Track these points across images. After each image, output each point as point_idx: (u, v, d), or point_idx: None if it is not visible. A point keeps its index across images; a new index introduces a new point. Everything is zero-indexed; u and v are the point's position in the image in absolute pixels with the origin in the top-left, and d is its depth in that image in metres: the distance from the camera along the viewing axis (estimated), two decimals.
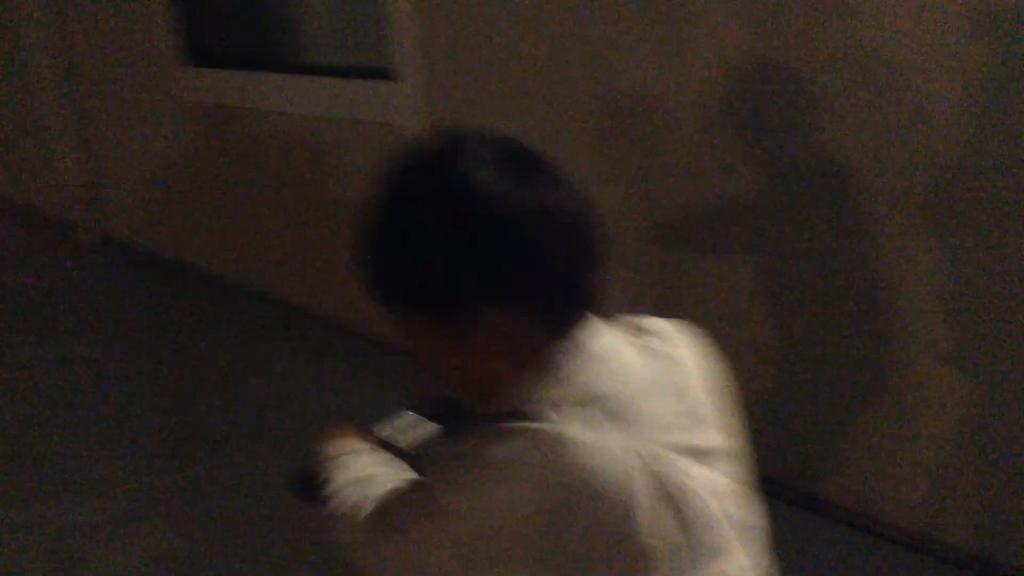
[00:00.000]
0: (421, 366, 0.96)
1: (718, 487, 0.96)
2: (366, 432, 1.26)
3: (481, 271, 0.85)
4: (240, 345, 4.31)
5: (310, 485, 1.21)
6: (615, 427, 0.87)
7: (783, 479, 2.70)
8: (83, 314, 4.88)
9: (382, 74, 3.67)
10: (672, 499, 0.89)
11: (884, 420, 2.55)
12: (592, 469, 0.84)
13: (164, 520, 2.99)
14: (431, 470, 1.02)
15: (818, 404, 2.70)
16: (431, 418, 1.28)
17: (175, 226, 5.33)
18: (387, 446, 1.25)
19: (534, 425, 0.85)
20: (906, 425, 2.51)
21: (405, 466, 1.19)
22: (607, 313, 0.98)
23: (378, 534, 1.03)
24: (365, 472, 1.15)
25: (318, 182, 4.16)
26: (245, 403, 3.75)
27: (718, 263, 2.83)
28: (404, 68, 3.56)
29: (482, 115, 3.38)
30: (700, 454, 0.95)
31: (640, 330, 1.00)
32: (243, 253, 4.81)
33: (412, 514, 0.96)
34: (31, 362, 4.25)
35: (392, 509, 1.02)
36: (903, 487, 2.57)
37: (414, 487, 1.01)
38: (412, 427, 1.28)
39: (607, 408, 0.88)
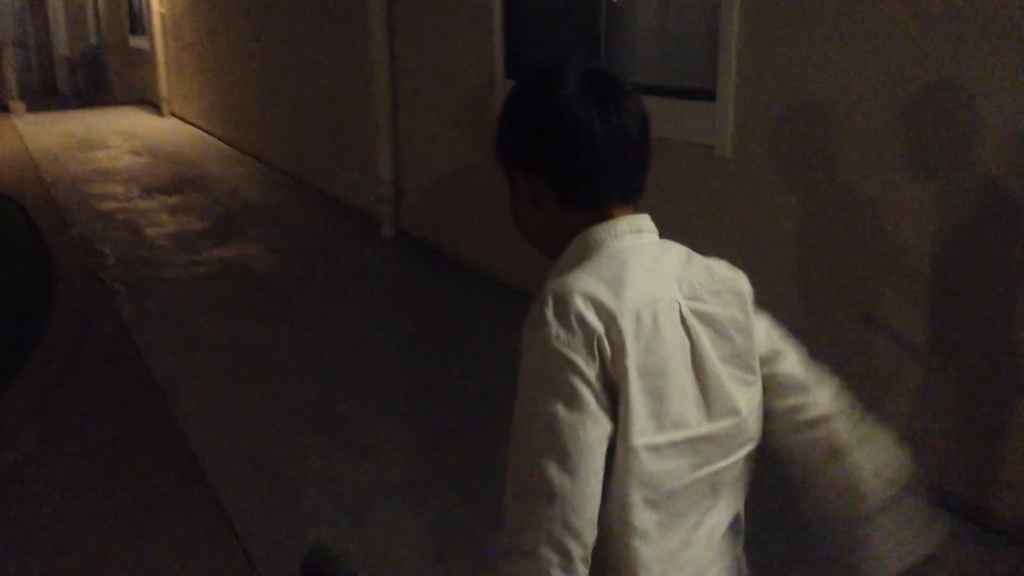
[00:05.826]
0: (512, 216, 1.29)
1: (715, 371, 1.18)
2: None
3: (541, 151, 1.23)
4: (508, 336, 4.42)
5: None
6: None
7: None
8: (375, 298, 5.35)
9: (702, 95, 3.67)
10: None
11: None
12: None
13: (437, 491, 3.22)
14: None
15: None
16: None
17: (458, 226, 5.69)
18: None
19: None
20: None
21: None
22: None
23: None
24: None
25: None
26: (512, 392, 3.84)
27: None
28: (724, 89, 3.54)
29: (787, 137, 3.33)
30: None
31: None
32: (517, 256, 4.94)
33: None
34: (333, 339, 4.69)
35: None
36: None
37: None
38: None
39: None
